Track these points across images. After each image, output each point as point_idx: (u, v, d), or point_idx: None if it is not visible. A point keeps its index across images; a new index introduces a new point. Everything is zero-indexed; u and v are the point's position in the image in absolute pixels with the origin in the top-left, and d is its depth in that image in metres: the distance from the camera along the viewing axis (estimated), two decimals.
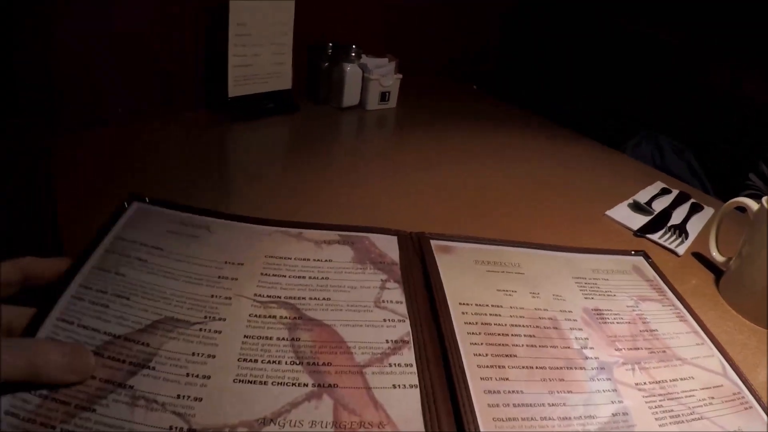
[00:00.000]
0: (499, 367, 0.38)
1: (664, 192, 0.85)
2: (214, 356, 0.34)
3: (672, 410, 0.40)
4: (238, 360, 0.34)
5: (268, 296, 0.39)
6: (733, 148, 1.22)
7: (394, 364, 0.37)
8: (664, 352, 0.44)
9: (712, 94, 1.26)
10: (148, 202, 0.45)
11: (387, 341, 0.38)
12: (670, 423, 0.39)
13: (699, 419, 0.40)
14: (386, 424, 0.33)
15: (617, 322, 0.46)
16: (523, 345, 0.40)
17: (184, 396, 0.32)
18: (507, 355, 0.39)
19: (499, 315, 0.42)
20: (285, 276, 0.42)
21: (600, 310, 0.46)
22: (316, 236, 0.47)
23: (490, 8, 1.44)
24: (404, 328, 0.39)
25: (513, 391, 0.37)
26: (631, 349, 0.43)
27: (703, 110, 1.26)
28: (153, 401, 0.31)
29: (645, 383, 0.41)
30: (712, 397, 0.42)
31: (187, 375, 0.33)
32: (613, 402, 0.39)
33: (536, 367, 0.39)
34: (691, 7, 1.31)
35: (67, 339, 0.32)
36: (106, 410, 0.30)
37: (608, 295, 0.48)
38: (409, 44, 1.18)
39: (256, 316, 0.38)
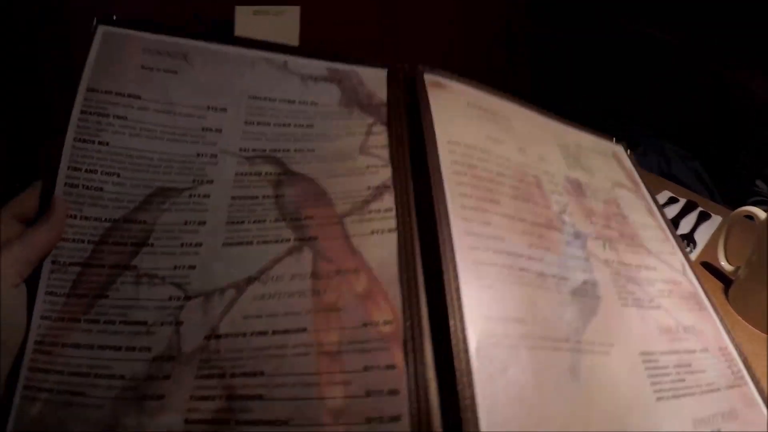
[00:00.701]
0: (482, 210, 0.34)
1: (672, 201, 0.85)
2: (204, 222, 0.35)
3: (634, 293, 0.39)
4: (227, 223, 0.35)
5: (253, 150, 0.38)
6: (738, 153, 1.21)
7: (374, 210, 0.35)
8: (632, 238, 0.42)
9: (716, 96, 1.23)
10: (116, 22, 0.40)
11: (368, 188, 0.36)
12: (631, 305, 0.38)
13: (657, 308, 0.39)
14: (361, 269, 0.32)
15: (594, 199, 0.43)
16: (507, 195, 0.36)
17: (179, 266, 0.33)
18: (491, 200, 0.35)
19: (487, 161, 0.37)
20: (269, 124, 0.39)
21: (580, 182, 0.44)
22: (302, 68, 0.42)
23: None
24: (386, 173, 0.37)
25: (494, 237, 0.33)
26: (604, 226, 0.41)
27: (707, 112, 1.24)
28: (154, 276, 0.33)
29: (613, 261, 0.39)
30: (671, 291, 0.41)
31: (181, 245, 0.34)
32: (584, 270, 0.37)
33: (518, 219, 0.36)
34: (693, 7, 1.24)
35: (74, 235, 0.34)
36: (117, 293, 0.32)
37: (588, 172, 0.46)
38: None
39: (242, 174, 0.37)
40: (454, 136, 0.38)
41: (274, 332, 0.30)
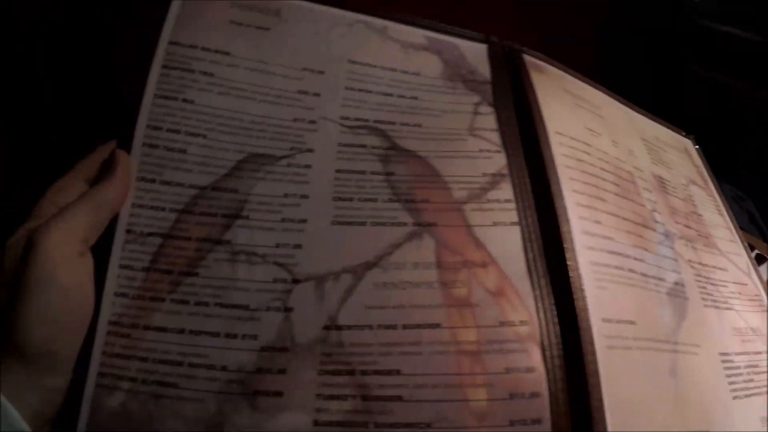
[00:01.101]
0: (593, 208, 0.35)
1: None
2: (307, 196, 0.32)
3: (712, 294, 0.40)
4: (333, 199, 0.32)
5: (356, 119, 0.35)
6: None
7: (493, 200, 0.34)
8: (707, 238, 0.44)
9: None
10: None
11: (484, 174, 0.35)
12: (710, 305, 0.39)
13: (729, 309, 0.41)
14: (489, 263, 0.32)
15: (675, 196, 0.44)
16: (610, 191, 0.37)
17: (282, 244, 0.31)
18: (598, 198, 0.36)
19: (590, 154, 0.38)
20: (371, 92, 0.37)
21: (663, 179, 0.44)
22: (402, 35, 0.40)
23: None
24: (501, 160, 0.36)
25: (605, 237, 0.34)
26: (685, 226, 0.42)
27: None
28: (253, 254, 0.30)
29: (695, 262, 0.41)
30: (740, 292, 0.43)
31: (282, 220, 0.31)
32: (674, 271, 0.38)
33: (622, 217, 0.36)
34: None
35: (153, 201, 0.30)
36: (209, 271, 0.29)
37: (668, 167, 0.46)
38: None
39: (345, 145, 0.34)
40: (559, 127, 0.38)
41: (405, 326, 0.29)
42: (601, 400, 0.28)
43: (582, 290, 0.31)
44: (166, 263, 0.29)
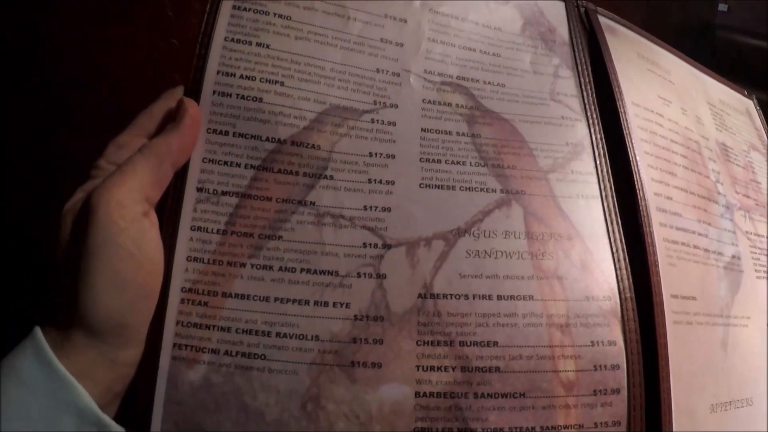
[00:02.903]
0: (665, 184, 0.40)
1: None
2: (393, 156, 0.34)
3: (765, 266, 0.44)
4: (420, 160, 0.34)
5: (439, 74, 0.38)
6: None
7: (576, 171, 0.38)
8: (764, 207, 0.47)
9: None
10: None
11: (567, 144, 0.39)
12: (763, 277, 0.44)
13: None
14: (574, 236, 0.35)
15: (736, 164, 0.49)
16: (680, 165, 0.41)
17: (370, 207, 0.32)
18: (669, 172, 0.40)
19: (662, 126, 0.42)
20: (454, 46, 0.39)
21: (726, 146, 0.49)
22: None
23: None
24: (582, 129, 0.40)
25: (675, 213, 0.38)
26: (745, 195, 0.47)
27: None
28: (339, 216, 0.31)
29: (751, 233, 0.45)
30: None
31: (369, 181, 0.33)
32: (732, 244, 0.43)
33: (689, 192, 0.41)
34: None
35: (226, 156, 0.31)
36: (293, 234, 0.30)
37: (731, 133, 0.51)
38: None
39: (430, 102, 0.36)
40: (635, 97, 0.42)
41: (500, 297, 0.32)
42: (668, 370, 0.34)
43: (657, 266, 0.35)
44: (245, 225, 0.30)
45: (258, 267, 0.29)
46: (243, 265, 0.29)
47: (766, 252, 0.49)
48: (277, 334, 0.29)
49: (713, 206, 0.45)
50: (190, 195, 0.30)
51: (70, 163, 0.39)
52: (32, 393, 0.24)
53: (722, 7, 1.08)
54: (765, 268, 0.48)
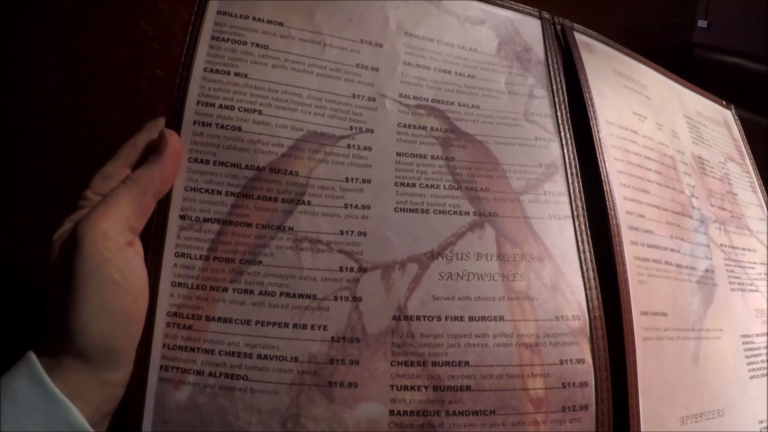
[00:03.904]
0: (638, 202, 0.42)
1: None
2: (369, 181, 0.36)
3: (740, 277, 0.48)
4: (395, 184, 0.36)
5: (414, 97, 0.40)
6: None
7: (548, 192, 0.40)
8: (740, 219, 0.51)
9: None
10: None
11: (540, 165, 0.41)
12: (737, 289, 0.47)
13: (755, 291, 0.49)
14: (545, 257, 0.38)
15: (712, 177, 0.51)
16: (653, 181, 0.44)
17: (347, 231, 0.34)
18: (642, 190, 0.43)
19: (636, 142, 0.45)
20: (429, 68, 0.41)
21: (702, 159, 0.52)
22: (458, 8, 0.45)
23: None
24: (555, 150, 0.42)
25: (647, 230, 0.41)
26: (720, 208, 0.50)
27: None
28: (317, 241, 0.34)
29: (726, 246, 0.48)
30: (766, 274, 0.49)
31: (346, 206, 0.35)
32: (706, 257, 0.46)
33: (662, 208, 0.44)
34: None
35: (207, 184, 0.33)
36: (272, 259, 0.33)
37: (707, 145, 0.54)
38: None
39: (405, 126, 0.38)
40: (609, 115, 0.45)
41: (471, 318, 0.34)
42: (637, 386, 0.36)
43: (627, 285, 0.38)
44: (227, 251, 0.32)
45: (239, 291, 0.32)
46: (225, 289, 0.32)
47: (740, 264, 0.52)
48: (259, 356, 0.31)
49: (687, 221, 0.48)
50: (173, 222, 0.32)
51: (64, 189, 0.41)
52: (27, 412, 0.26)
53: (701, 23, 1.11)
54: (739, 280, 0.51)
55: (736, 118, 0.65)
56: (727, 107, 0.65)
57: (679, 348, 0.43)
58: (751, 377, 0.47)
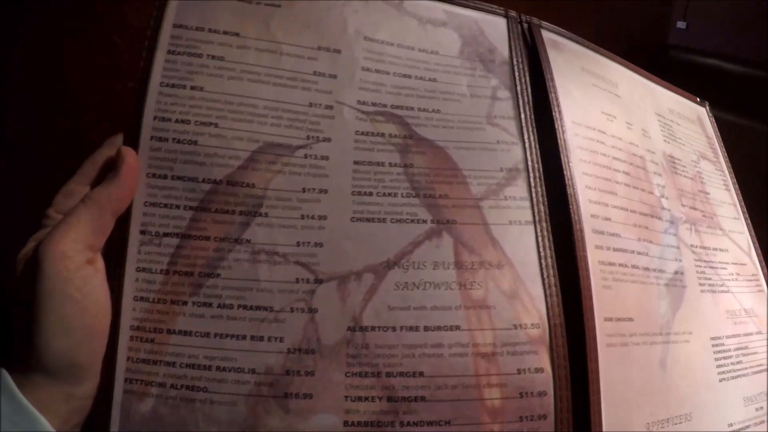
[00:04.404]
0: (604, 204, 0.42)
1: None
2: (326, 191, 0.36)
3: (710, 278, 0.49)
4: (352, 194, 0.37)
5: (373, 104, 0.40)
6: None
7: (509, 197, 0.40)
8: (712, 218, 0.52)
9: None
10: None
11: (501, 169, 0.41)
12: (707, 290, 0.47)
13: (726, 292, 0.50)
14: (505, 264, 0.38)
15: (684, 176, 0.52)
16: (621, 183, 0.45)
17: (303, 243, 0.35)
18: (609, 192, 0.43)
19: (603, 143, 0.45)
20: (389, 73, 0.41)
21: (674, 158, 0.52)
22: (420, 9, 0.45)
23: None
24: (517, 153, 0.42)
25: (613, 234, 0.41)
26: (691, 208, 0.50)
27: None
28: (274, 253, 0.34)
29: (696, 246, 0.49)
30: (738, 274, 0.51)
31: (302, 217, 0.35)
32: (675, 259, 0.46)
33: (630, 210, 0.44)
34: None
35: (166, 199, 0.34)
36: (230, 272, 0.33)
37: (680, 143, 0.54)
38: None
39: (363, 133, 0.38)
40: (576, 115, 0.45)
41: (426, 328, 0.35)
42: (599, 395, 0.37)
43: (590, 290, 0.38)
44: (186, 265, 0.33)
45: (198, 304, 0.33)
46: (185, 303, 0.32)
47: (711, 264, 0.52)
48: (218, 368, 0.32)
49: (656, 222, 0.48)
50: (134, 238, 0.33)
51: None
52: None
53: (680, 24, 1.12)
54: (709, 282, 0.51)
55: (711, 115, 0.65)
56: (701, 104, 0.65)
57: (646, 353, 0.43)
58: (720, 380, 0.48)
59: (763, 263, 0.57)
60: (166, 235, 0.33)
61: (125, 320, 0.32)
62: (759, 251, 0.58)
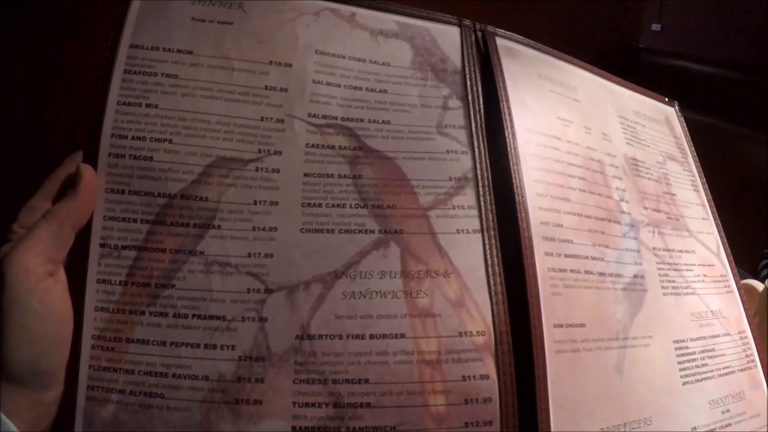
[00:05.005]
0: (555, 211, 0.43)
1: None
2: (276, 203, 0.38)
3: (674, 281, 0.50)
4: (302, 205, 0.38)
5: (323, 116, 0.41)
6: None
7: (458, 206, 0.41)
8: (677, 220, 0.53)
9: None
10: None
11: (450, 179, 0.42)
12: (671, 293, 0.48)
13: (692, 294, 0.51)
14: (451, 272, 0.39)
15: (647, 178, 0.53)
16: (576, 188, 0.46)
17: (254, 254, 0.37)
18: (562, 198, 0.44)
19: (558, 149, 0.46)
20: (340, 86, 0.43)
21: (636, 160, 0.53)
22: (371, 22, 0.46)
23: None
24: (467, 162, 0.43)
25: (565, 240, 0.42)
26: (654, 210, 0.51)
27: None
28: (226, 264, 0.36)
29: (659, 249, 0.50)
30: (705, 275, 0.52)
31: (254, 229, 0.37)
32: (635, 263, 0.47)
33: (585, 216, 0.45)
34: None
35: (123, 213, 0.36)
36: (185, 283, 0.35)
37: (644, 145, 0.55)
38: None
39: (313, 146, 0.40)
40: (528, 123, 0.46)
41: (372, 336, 0.36)
42: (547, 401, 0.38)
43: (537, 298, 0.39)
44: (143, 276, 0.35)
45: (155, 314, 0.34)
46: (143, 312, 0.34)
47: (675, 267, 0.53)
48: (173, 375, 0.34)
49: (613, 227, 0.49)
50: (94, 251, 0.35)
51: None
52: None
53: (655, 26, 1.13)
54: (673, 284, 0.52)
55: (680, 114, 0.66)
56: (669, 104, 0.66)
57: (600, 359, 0.44)
58: (684, 383, 0.49)
59: (733, 264, 0.58)
60: (124, 247, 0.35)
61: (87, 330, 0.34)
62: (729, 252, 0.58)
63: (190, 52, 0.40)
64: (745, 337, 0.56)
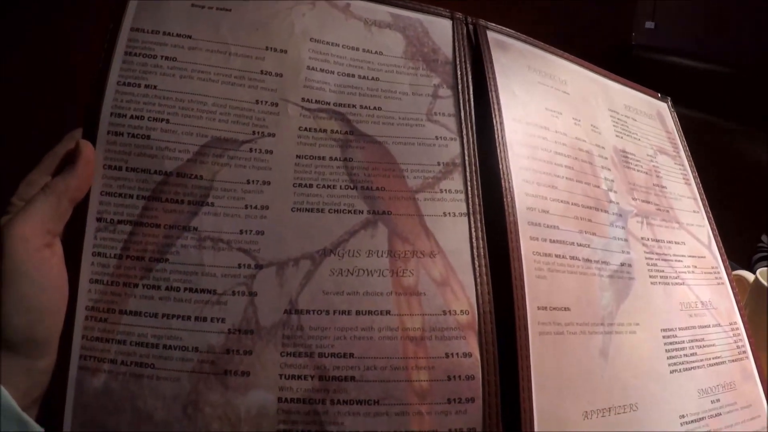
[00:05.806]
0: (542, 198, 0.45)
1: None
2: (269, 182, 0.40)
3: (663, 271, 0.51)
4: (294, 185, 0.40)
5: (316, 101, 0.44)
6: None
7: (445, 190, 0.43)
8: (667, 211, 0.54)
9: None
10: None
11: (438, 163, 0.44)
12: (659, 282, 0.50)
13: (681, 284, 0.52)
14: (437, 253, 0.41)
15: (637, 170, 0.55)
16: (563, 177, 0.47)
17: (246, 231, 0.39)
18: (549, 185, 0.46)
19: (546, 138, 0.48)
20: (333, 73, 0.45)
21: (626, 152, 0.55)
22: (366, 12, 0.49)
23: None
24: (455, 149, 0.45)
25: (551, 226, 0.44)
26: (644, 201, 0.53)
27: None
28: (219, 240, 0.38)
29: (648, 239, 0.51)
30: (695, 266, 0.54)
31: (246, 207, 0.39)
32: (623, 252, 0.49)
33: (572, 203, 0.47)
34: None
35: (120, 189, 0.38)
36: (178, 257, 0.37)
37: (634, 138, 0.57)
38: None
39: (306, 129, 0.42)
40: (516, 113, 0.48)
41: (358, 312, 0.38)
42: (529, 380, 0.40)
43: (522, 280, 0.41)
44: (137, 250, 0.37)
45: (148, 287, 0.36)
46: (136, 285, 0.36)
47: (664, 257, 0.55)
48: (164, 346, 0.35)
49: (601, 215, 0.51)
50: (91, 224, 0.37)
51: None
52: None
53: (649, 24, 1.16)
54: (662, 274, 0.54)
55: (672, 110, 0.68)
56: (662, 99, 0.68)
57: (584, 343, 0.46)
58: (672, 371, 0.50)
59: (725, 256, 0.60)
60: (120, 222, 0.37)
61: (81, 301, 0.35)
62: (720, 244, 0.60)
63: (189, 37, 0.42)
64: (737, 329, 0.57)
